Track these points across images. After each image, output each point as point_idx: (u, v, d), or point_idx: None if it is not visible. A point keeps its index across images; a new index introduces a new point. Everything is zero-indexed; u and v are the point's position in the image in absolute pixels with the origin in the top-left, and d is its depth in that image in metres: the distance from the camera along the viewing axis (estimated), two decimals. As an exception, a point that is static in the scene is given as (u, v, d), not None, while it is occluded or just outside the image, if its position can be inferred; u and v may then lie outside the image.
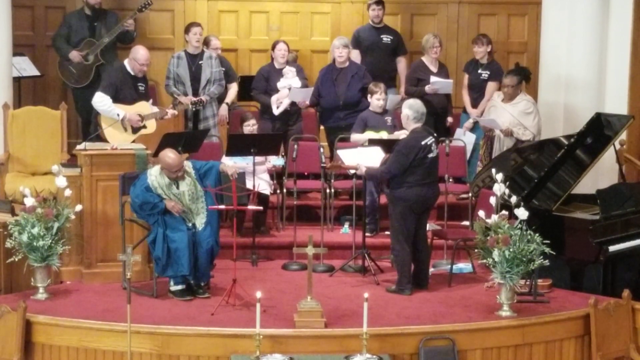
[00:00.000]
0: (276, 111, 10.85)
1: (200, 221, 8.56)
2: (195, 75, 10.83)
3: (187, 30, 11.02)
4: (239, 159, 9.83)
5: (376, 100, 10.12)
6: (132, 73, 9.93)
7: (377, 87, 10.21)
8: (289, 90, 10.85)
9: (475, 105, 10.98)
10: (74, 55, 11.16)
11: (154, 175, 8.50)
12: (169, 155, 8.48)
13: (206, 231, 8.52)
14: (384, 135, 9.89)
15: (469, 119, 11.02)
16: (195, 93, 10.77)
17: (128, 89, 9.88)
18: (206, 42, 11.34)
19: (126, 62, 10.00)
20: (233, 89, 11.37)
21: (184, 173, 8.52)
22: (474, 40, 11.33)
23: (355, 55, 11.39)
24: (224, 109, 11.21)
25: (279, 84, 10.95)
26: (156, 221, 8.46)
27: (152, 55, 11.25)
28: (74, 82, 11.26)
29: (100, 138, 9.64)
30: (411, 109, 8.79)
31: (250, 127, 10.25)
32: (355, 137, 10.14)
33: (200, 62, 10.86)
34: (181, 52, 11.03)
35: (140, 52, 9.94)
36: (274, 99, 10.92)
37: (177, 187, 8.51)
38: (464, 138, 10.83)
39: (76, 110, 11.60)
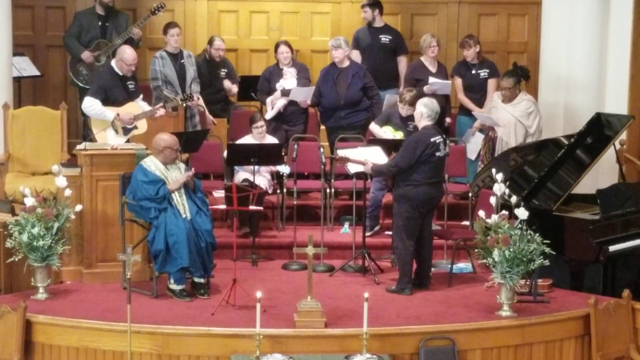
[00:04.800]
0: (269, 113, 10.83)
1: (186, 210, 8.57)
2: (180, 74, 10.81)
3: (165, 30, 10.96)
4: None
5: (400, 108, 10.02)
6: (121, 73, 9.87)
7: (406, 93, 10.02)
8: (281, 92, 10.85)
9: (480, 105, 10.93)
10: (87, 55, 11.13)
11: (149, 162, 8.61)
12: (163, 137, 8.67)
13: (202, 217, 8.58)
14: (399, 136, 9.86)
15: (476, 120, 10.92)
16: (183, 92, 10.76)
17: (118, 90, 9.81)
18: (210, 42, 11.37)
19: (113, 63, 9.90)
20: (234, 90, 11.48)
21: (177, 156, 8.76)
22: (461, 45, 11.19)
23: (356, 56, 11.39)
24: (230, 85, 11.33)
25: (277, 85, 10.96)
26: (156, 217, 8.47)
27: (152, 55, 11.25)
28: (84, 82, 11.24)
29: (92, 141, 9.60)
30: (426, 107, 8.79)
31: (259, 128, 10.22)
32: (372, 127, 10.16)
33: (182, 61, 10.84)
34: (162, 52, 10.93)
35: (127, 52, 9.86)
36: (268, 100, 10.94)
37: (170, 172, 8.65)
38: (473, 139, 10.80)
39: (80, 110, 11.56)
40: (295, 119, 11.01)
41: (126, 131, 9.84)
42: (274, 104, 10.92)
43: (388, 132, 9.97)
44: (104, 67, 10.34)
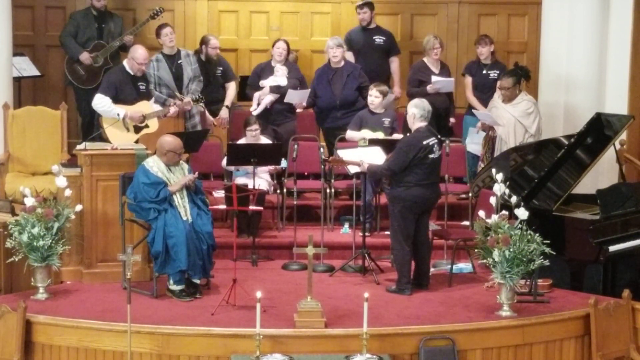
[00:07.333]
0: (255, 110, 10.80)
1: (187, 212, 8.56)
2: (177, 75, 10.76)
3: (157, 33, 10.91)
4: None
5: (371, 102, 10.16)
6: (132, 73, 9.96)
7: (376, 86, 10.28)
8: (270, 89, 10.82)
9: (486, 105, 10.92)
10: (85, 57, 11.16)
11: (152, 162, 8.60)
12: (168, 139, 8.65)
13: (202, 219, 8.57)
14: (379, 135, 9.90)
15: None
16: (180, 93, 10.73)
17: (129, 89, 9.92)
18: (205, 42, 11.30)
19: (125, 63, 10.06)
20: (231, 89, 11.35)
21: (180, 159, 8.74)
22: (477, 41, 11.27)
23: (349, 57, 11.38)
24: (224, 112, 11.19)
25: (265, 81, 10.91)
26: (155, 217, 8.47)
27: (152, 56, 11.25)
28: (81, 82, 11.26)
29: (103, 139, 9.65)
30: (417, 108, 8.79)
31: (253, 132, 10.21)
32: (350, 134, 10.18)
33: (179, 62, 10.81)
34: (158, 54, 10.87)
35: (138, 52, 9.99)
36: (255, 95, 10.90)
37: (173, 174, 8.64)
38: (477, 138, 10.78)
39: (77, 111, 11.60)
40: (281, 118, 10.97)
41: (137, 129, 9.89)
42: (261, 100, 10.87)
43: (368, 134, 9.98)
44: (116, 67, 10.39)
